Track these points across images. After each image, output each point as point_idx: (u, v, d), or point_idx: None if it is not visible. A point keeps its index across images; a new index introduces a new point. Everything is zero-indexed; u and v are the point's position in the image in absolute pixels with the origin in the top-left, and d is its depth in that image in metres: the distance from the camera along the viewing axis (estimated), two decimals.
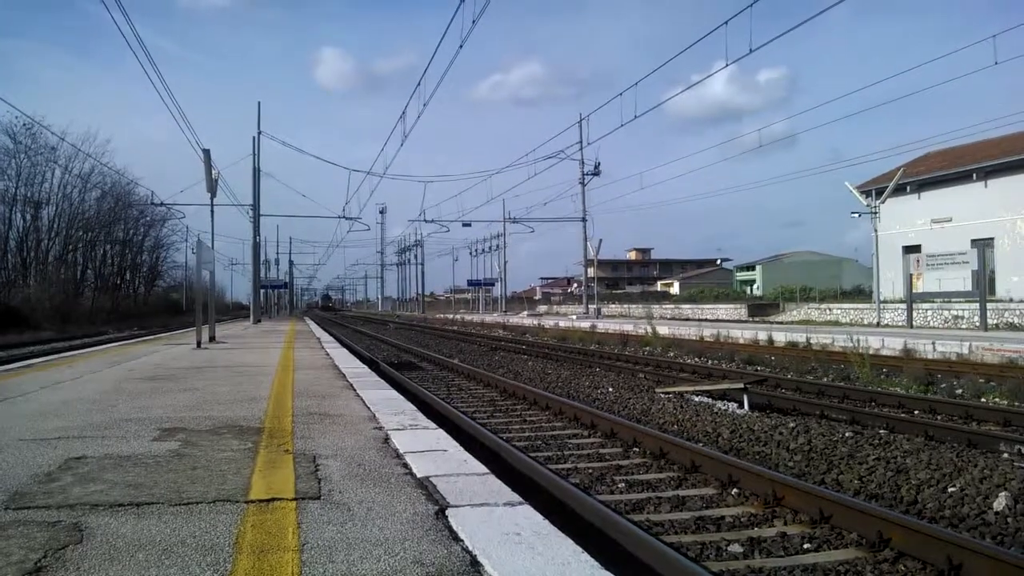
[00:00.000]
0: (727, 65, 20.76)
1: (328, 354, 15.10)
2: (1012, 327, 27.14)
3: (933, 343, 18.23)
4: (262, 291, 54.96)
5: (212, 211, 21.99)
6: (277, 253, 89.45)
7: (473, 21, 16.87)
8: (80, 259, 62.11)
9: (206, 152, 21.41)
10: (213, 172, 21.47)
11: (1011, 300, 32.78)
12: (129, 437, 5.61)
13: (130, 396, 8.18)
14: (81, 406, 7.36)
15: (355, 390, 8.74)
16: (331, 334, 29.15)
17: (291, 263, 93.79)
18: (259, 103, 37.54)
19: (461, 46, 18.51)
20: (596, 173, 47.91)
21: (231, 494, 3.93)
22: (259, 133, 37.35)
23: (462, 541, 3.20)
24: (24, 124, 48.61)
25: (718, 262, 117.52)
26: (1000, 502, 5.95)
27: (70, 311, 49.10)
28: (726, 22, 19.12)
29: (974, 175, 38.34)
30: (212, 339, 19.51)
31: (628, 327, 32.19)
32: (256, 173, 37.70)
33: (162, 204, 46.56)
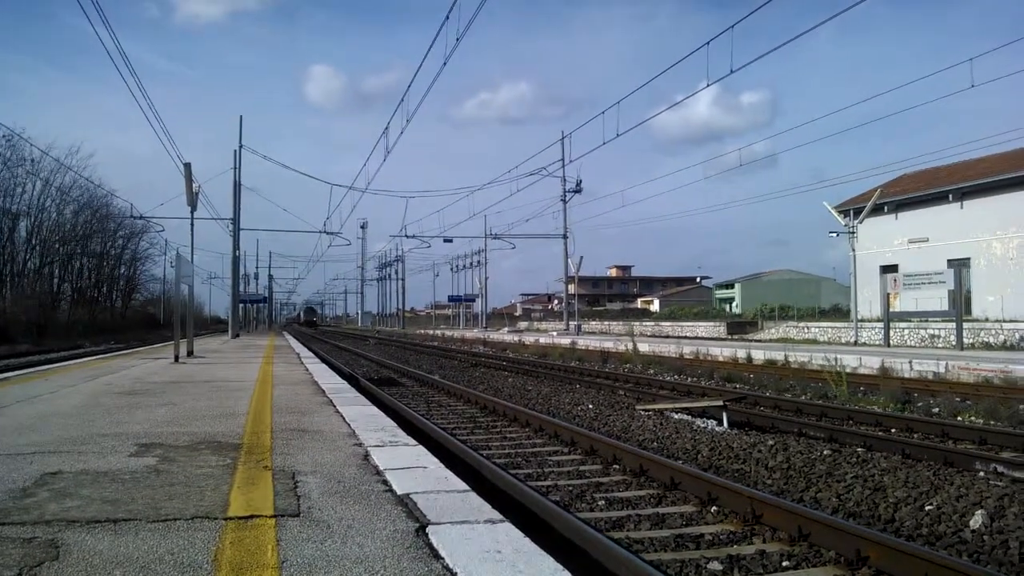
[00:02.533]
0: (708, 85, 21.00)
1: (307, 369, 15.03)
2: (987, 346, 27.43)
3: (910, 362, 18.39)
4: (241, 305, 54.64)
5: (192, 225, 21.88)
6: (256, 267, 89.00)
7: (457, 39, 16.92)
8: (57, 272, 61.51)
9: (187, 166, 21.31)
10: (194, 186, 21.36)
11: (987, 320, 33.17)
12: (106, 452, 5.55)
13: (107, 411, 8.10)
14: (57, 420, 7.29)
15: (335, 406, 8.70)
16: (310, 349, 29.02)
17: (270, 277, 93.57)
18: (241, 117, 37.50)
19: (445, 63, 18.55)
20: (578, 190, 48.25)
21: (209, 511, 3.90)
22: (240, 147, 37.34)
23: (443, 559, 3.19)
24: (4, 135, 48.15)
25: (698, 280, 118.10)
26: (976, 520, 6.00)
27: (47, 324, 48.57)
28: (707, 43, 19.30)
29: (950, 196, 38.82)
30: (190, 353, 19.37)
31: (608, 344, 32.26)
32: (237, 187, 37.59)
33: (141, 217, 46.30)
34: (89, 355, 26.02)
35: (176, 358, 17.19)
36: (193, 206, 21.41)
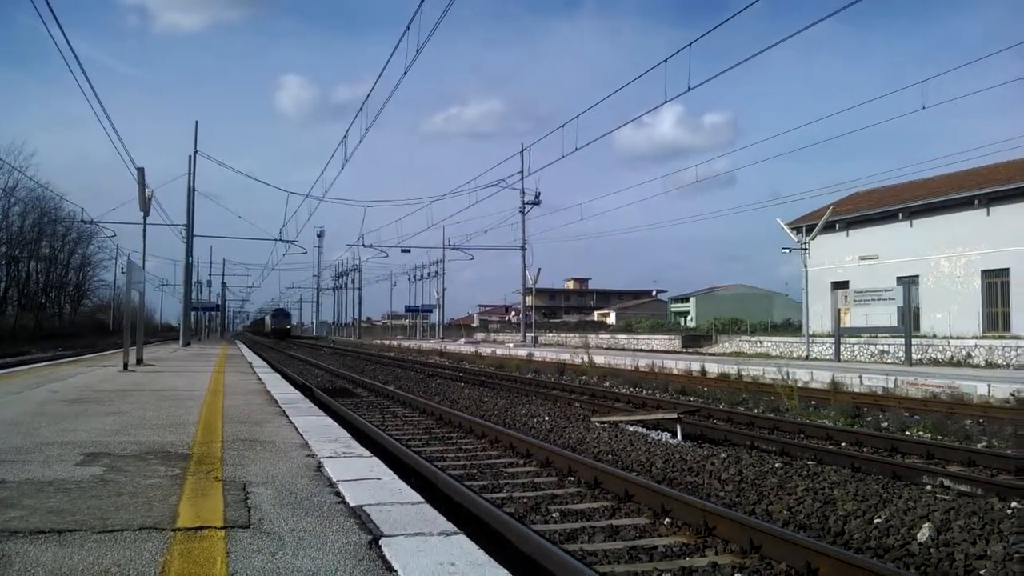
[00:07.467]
0: (665, 102, 21.13)
1: (260, 379, 14.84)
2: (935, 362, 28.00)
3: (860, 377, 18.70)
4: (193, 313, 53.84)
5: (145, 231, 21.46)
6: (210, 274, 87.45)
7: (417, 50, 16.89)
8: (3, 276, 60.09)
9: (140, 171, 20.92)
10: (147, 191, 20.99)
11: (935, 336, 33.81)
12: (51, 461, 5.42)
13: (53, 419, 7.91)
14: (1, 428, 7.10)
15: (287, 416, 8.60)
16: (263, 358, 28.67)
17: (223, 285, 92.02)
18: (196, 123, 36.85)
19: (405, 73, 18.50)
20: (536, 203, 48.26)
21: (157, 522, 3.82)
22: (195, 152, 36.85)
23: (396, 571, 3.16)
24: None
25: (654, 293, 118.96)
26: (924, 533, 6.11)
27: None
28: (665, 60, 19.45)
29: (900, 215, 39.63)
30: (140, 361, 19.01)
31: (565, 356, 32.34)
32: (191, 193, 37.10)
33: (92, 222, 45.45)
34: (35, 362, 25.43)
35: (125, 366, 16.86)
36: (146, 212, 21.02)
